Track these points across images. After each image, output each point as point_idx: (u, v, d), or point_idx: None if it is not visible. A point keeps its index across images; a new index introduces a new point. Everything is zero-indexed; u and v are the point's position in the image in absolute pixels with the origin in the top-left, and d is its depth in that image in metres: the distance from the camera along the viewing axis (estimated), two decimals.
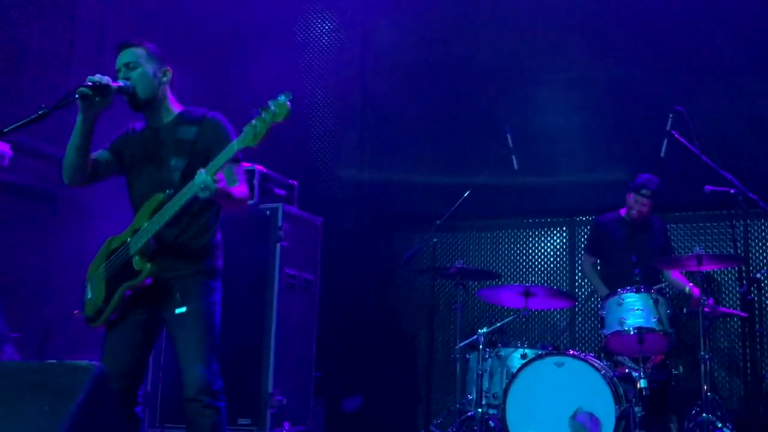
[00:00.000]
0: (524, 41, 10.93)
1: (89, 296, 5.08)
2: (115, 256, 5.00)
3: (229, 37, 11.45)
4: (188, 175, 4.85)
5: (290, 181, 9.23)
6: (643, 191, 8.63)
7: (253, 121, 4.60)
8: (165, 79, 5.24)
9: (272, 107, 4.54)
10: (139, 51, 5.17)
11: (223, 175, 4.73)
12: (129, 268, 4.89)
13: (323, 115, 11.94)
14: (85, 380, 3.11)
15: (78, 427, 2.96)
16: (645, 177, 8.65)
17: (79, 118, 4.90)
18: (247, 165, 8.34)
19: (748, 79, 9.75)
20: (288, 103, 4.54)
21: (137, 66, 5.10)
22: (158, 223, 4.85)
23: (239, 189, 5.00)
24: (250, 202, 8.48)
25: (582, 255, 9.71)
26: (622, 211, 8.99)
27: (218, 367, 4.99)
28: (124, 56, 5.15)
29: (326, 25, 12.19)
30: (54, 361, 3.26)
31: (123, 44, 5.22)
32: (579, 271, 10.48)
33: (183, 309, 4.92)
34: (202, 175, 4.59)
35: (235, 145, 4.71)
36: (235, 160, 5.00)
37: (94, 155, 5.15)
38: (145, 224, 4.90)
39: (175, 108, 5.30)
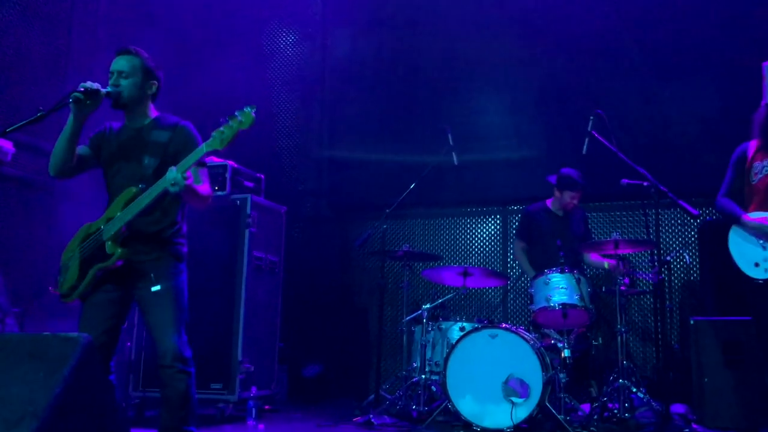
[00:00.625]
0: (463, 52, 11.00)
1: (64, 276, 5.08)
2: (89, 240, 5.00)
3: (205, 48, 11.42)
4: (160, 172, 4.92)
5: (258, 174, 9.21)
6: (576, 188, 8.70)
7: (221, 128, 4.71)
8: (149, 91, 5.25)
9: (239, 116, 4.69)
10: (135, 61, 5.16)
11: (191, 173, 4.81)
12: (102, 252, 4.91)
13: (287, 117, 11.97)
14: (75, 349, 3.12)
15: (69, 390, 2.98)
16: (573, 174, 8.70)
17: (71, 118, 4.92)
18: (219, 160, 8.40)
19: (656, 86, 9.85)
20: (253, 113, 4.69)
21: (129, 76, 5.11)
22: (130, 213, 4.87)
23: (203, 188, 5.05)
24: (222, 193, 8.54)
25: (513, 240, 9.74)
26: (548, 202, 9.04)
27: (186, 339, 5.02)
28: (121, 62, 5.14)
29: (290, 37, 12.21)
30: (48, 333, 3.27)
31: (123, 50, 5.20)
32: (511, 254, 10.56)
33: (157, 287, 4.96)
34: (173, 173, 4.69)
35: (203, 148, 4.79)
36: (202, 163, 5.07)
37: (77, 150, 5.15)
38: (119, 213, 4.92)
39: (152, 113, 5.30)
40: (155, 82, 5.28)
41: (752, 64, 6.72)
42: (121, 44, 5.30)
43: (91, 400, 3.19)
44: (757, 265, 6.47)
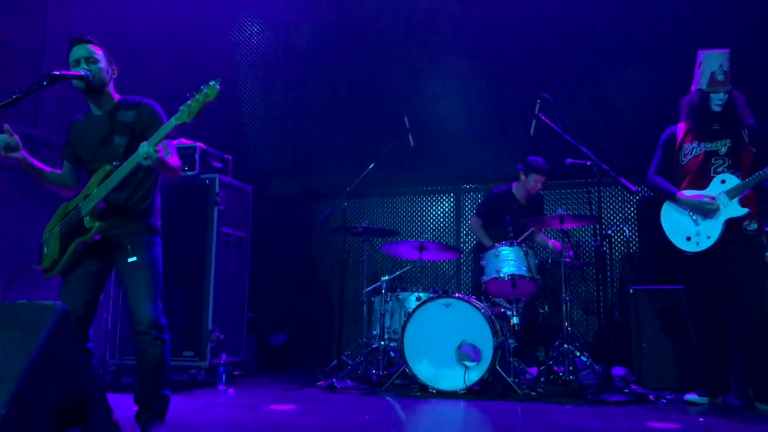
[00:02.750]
0: (418, 42, 11.04)
1: (46, 252, 5.05)
2: (68, 217, 4.98)
3: (174, 37, 11.36)
4: (130, 149, 4.90)
5: (226, 155, 9.15)
6: (541, 171, 8.70)
7: (189, 101, 4.69)
8: (113, 76, 5.22)
9: (204, 90, 4.67)
10: (96, 51, 5.11)
11: (161, 147, 4.76)
12: (81, 227, 4.87)
13: (253, 102, 11.96)
14: (50, 317, 3.09)
15: (46, 355, 2.95)
16: (539, 159, 8.72)
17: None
18: (189, 142, 8.36)
19: (601, 72, 9.91)
20: (218, 86, 4.67)
21: (95, 62, 5.05)
22: (106, 189, 4.84)
23: (173, 159, 5.00)
24: (192, 173, 8.50)
25: (467, 217, 9.74)
26: (513, 185, 9.02)
27: (162, 307, 4.98)
28: (84, 50, 5.07)
29: (254, 27, 12.19)
30: (25, 301, 3.22)
31: (81, 39, 5.14)
32: (464, 229, 10.60)
33: (134, 258, 4.92)
34: (144, 147, 4.65)
35: (173, 121, 4.75)
36: (169, 137, 5.01)
37: (62, 170, 5.31)
38: (95, 190, 4.88)
39: (115, 96, 5.24)
40: (116, 68, 5.25)
41: (685, 55, 6.79)
42: (95, 35, 5.24)
43: (67, 365, 3.16)
44: (689, 239, 6.53)
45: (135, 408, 4.92)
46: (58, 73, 4.82)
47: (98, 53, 5.10)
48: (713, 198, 6.39)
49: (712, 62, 6.52)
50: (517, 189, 9.00)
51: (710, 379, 6.56)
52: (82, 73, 4.97)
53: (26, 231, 8.51)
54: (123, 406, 5.03)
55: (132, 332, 4.95)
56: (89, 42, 5.13)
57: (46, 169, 5.25)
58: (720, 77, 6.47)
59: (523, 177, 8.86)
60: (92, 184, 4.96)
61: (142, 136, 4.91)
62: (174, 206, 7.97)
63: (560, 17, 10.18)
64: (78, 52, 5.08)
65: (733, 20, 9.24)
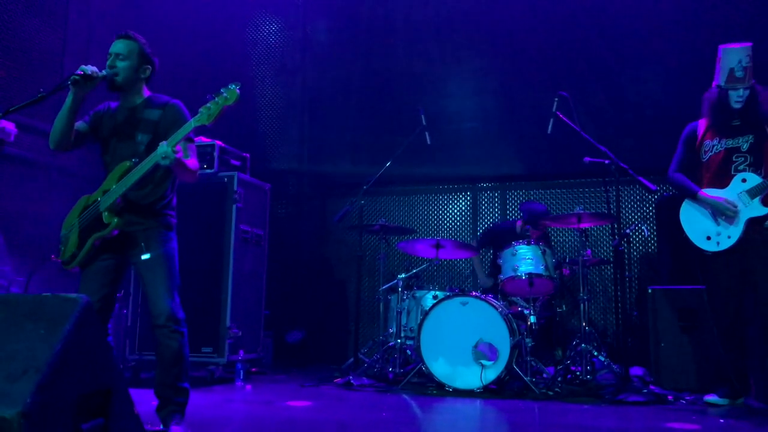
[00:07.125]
0: (435, 40, 11.03)
1: (65, 245, 5.07)
2: (87, 211, 5.00)
3: (193, 38, 11.41)
4: (151, 148, 4.89)
5: (244, 153, 9.17)
6: (537, 227, 8.70)
7: (208, 104, 4.70)
8: (144, 75, 5.20)
9: (224, 93, 4.68)
10: (132, 45, 5.11)
11: (180, 148, 4.79)
12: (99, 222, 4.90)
13: (271, 100, 11.98)
14: (74, 309, 3.10)
15: (69, 346, 2.96)
16: (535, 212, 8.71)
17: (69, 96, 4.89)
18: (207, 140, 8.39)
19: (619, 70, 9.90)
20: (237, 89, 4.68)
21: (125, 59, 5.06)
22: (125, 186, 4.86)
23: (191, 162, 5.03)
24: (210, 171, 8.53)
25: (484, 215, 9.71)
26: (518, 223, 9.07)
27: (180, 300, 5.01)
28: (119, 46, 5.10)
29: (273, 26, 12.20)
30: (49, 293, 3.24)
31: (122, 34, 5.16)
32: (480, 228, 10.59)
33: (148, 255, 4.95)
34: (163, 147, 4.68)
35: (192, 123, 4.77)
36: (189, 139, 5.05)
37: (75, 126, 5.11)
38: (114, 186, 4.90)
39: (145, 93, 5.26)
40: (149, 66, 5.23)
41: (703, 52, 6.76)
42: (123, 30, 5.26)
43: (90, 357, 3.16)
44: (708, 238, 6.50)
45: (155, 402, 4.95)
46: (80, 73, 4.82)
47: (132, 51, 5.10)
48: (735, 206, 6.36)
49: (731, 58, 6.46)
50: (519, 227, 9.02)
51: (732, 380, 6.53)
52: (106, 73, 5.00)
53: (46, 223, 8.61)
54: (143, 400, 5.04)
55: (150, 326, 4.98)
56: (128, 38, 5.14)
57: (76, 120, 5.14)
58: (739, 73, 6.41)
59: (520, 222, 8.96)
60: (111, 179, 4.97)
61: (165, 135, 4.91)
62: (193, 204, 8.06)
63: (576, 15, 10.16)
64: (114, 47, 5.12)
65: (753, 15, 9.20)
